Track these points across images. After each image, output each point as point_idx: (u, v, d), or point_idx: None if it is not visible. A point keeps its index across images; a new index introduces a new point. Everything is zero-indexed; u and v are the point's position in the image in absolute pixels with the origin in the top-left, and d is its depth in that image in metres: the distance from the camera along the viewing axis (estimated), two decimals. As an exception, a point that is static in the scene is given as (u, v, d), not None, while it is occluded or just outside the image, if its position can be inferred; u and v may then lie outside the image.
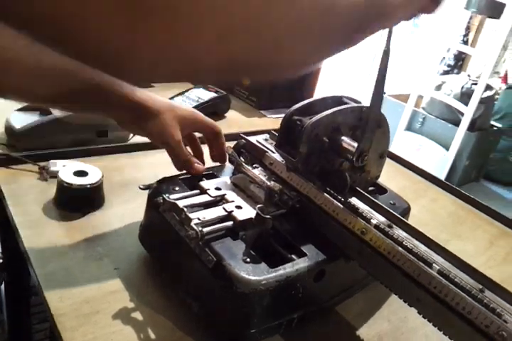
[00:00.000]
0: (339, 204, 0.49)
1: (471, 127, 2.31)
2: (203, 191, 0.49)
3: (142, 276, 0.54)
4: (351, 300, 0.57)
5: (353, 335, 0.53)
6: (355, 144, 0.48)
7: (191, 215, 0.44)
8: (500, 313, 0.37)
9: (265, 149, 0.53)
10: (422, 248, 0.45)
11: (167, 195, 0.47)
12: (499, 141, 2.63)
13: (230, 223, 0.45)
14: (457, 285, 0.40)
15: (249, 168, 0.51)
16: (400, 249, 0.44)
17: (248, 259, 0.44)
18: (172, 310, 0.50)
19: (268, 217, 0.44)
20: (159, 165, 0.79)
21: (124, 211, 0.64)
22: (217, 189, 0.49)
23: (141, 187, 0.53)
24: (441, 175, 2.33)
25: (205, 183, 0.50)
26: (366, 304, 0.57)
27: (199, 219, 0.44)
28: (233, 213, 0.46)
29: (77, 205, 0.59)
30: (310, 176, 0.50)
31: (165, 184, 0.52)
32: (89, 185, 0.58)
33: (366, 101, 0.55)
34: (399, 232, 0.47)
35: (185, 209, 0.44)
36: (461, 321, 0.39)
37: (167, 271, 0.52)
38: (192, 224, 0.43)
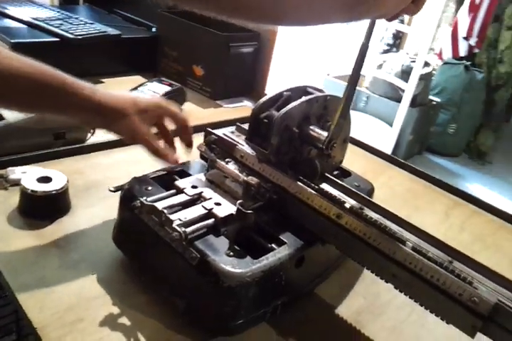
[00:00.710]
0: (312, 191, 0.50)
1: (413, 103, 2.41)
2: (180, 191, 0.49)
3: (122, 279, 0.53)
4: (326, 281, 0.59)
5: (333, 315, 0.55)
6: (324, 133, 0.50)
7: (172, 216, 0.44)
8: (471, 281, 0.40)
9: (235, 143, 0.53)
10: (394, 227, 0.48)
11: (144, 197, 0.47)
12: (438, 115, 2.76)
13: (211, 221, 0.46)
14: (430, 259, 0.43)
15: (223, 163, 0.51)
16: (375, 229, 0.46)
17: (232, 253, 0.45)
18: (157, 310, 0.50)
19: (250, 212, 0.44)
20: (120, 164, 0.78)
21: (93, 214, 0.62)
22: (194, 187, 0.49)
23: (112, 189, 0.52)
24: (387, 151, 2.43)
25: (180, 182, 0.50)
26: (340, 284, 0.60)
27: (180, 219, 0.44)
28: (213, 210, 0.46)
29: (44, 213, 0.57)
30: (282, 166, 0.51)
31: (137, 184, 0.51)
32: (55, 191, 0.56)
33: (328, 90, 0.56)
34: (371, 214, 0.49)
35: (165, 211, 0.44)
36: (437, 292, 0.42)
37: (147, 271, 0.52)
38: (174, 225, 0.43)
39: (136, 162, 0.79)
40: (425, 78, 2.42)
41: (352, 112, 0.53)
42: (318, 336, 0.52)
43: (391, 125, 2.40)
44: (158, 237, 0.46)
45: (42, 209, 0.57)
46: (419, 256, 0.43)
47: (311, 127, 0.49)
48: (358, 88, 2.60)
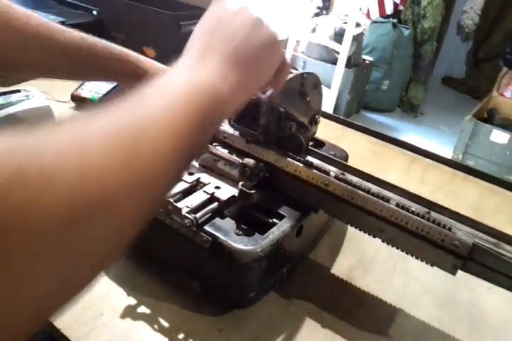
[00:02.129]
0: (300, 164, 0.53)
1: (347, 64, 2.48)
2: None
3: (129, 270, 0.54)
4: (317, 246, 0.64)
5: (330, 274, 0.60)
6: (306, 109, 0.52)
7: (179, 205, 0.45)
8: (450, 227, 0.46)
9: (221, 127, 0.54)
10: (374, 187, 0.52)
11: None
12: (371, 73, 2.87)
13: (215, 204, 0.48)
14: (413, 212, 0.48)
15: (213, 147, 0.53)
16: (361, 192, 0.50)
17: (240, 232, 0.47)
18: (171, 294, 0.51)
19: (253, 191, 0.47)
20: None
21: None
22: (190, 174, 0.50)
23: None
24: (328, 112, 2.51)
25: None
26: (330, 247, 0.65)
27: (188, 207, 0.45)
28: (215, 194, 0.48)
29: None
30: (269, 145, 0.54)
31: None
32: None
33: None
34: (352, 178, 0.53)
35: (171, 200, 0.45)
36: (422, 240, 0.47)
37: (155, 259, 0.53)
38: (184, 213, 0.44)
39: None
40: (357, 39, 2.49)
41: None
42: (318, 295, 0.56)
43: (329, 87, 2.47)
44: (165, 226, 0.48)
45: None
46: (403, 211, 0.48)
47: (295, 105, 0.52)
48: (294, 53, 2.63)
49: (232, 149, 0.54)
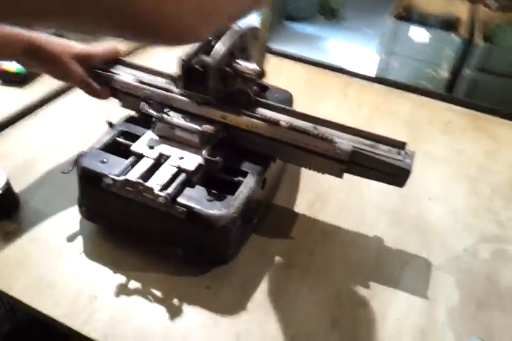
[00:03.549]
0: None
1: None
2: (139, 156, 0.49)
3: (109, 249, 0.55)
4: (279, 189, 0.68)
5: (293, 212, 0.65)
6: (250, 64, 0.52)
7: (149, 184, 0.46)
8: (332, 139, 0.51)
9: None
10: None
11: (107, 171, 0.47)
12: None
13: (183, 176, 0.49)
14: (302, 131, 0.52)
15: (168, 117, 0.52)
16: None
17: (212, 198, 0.49)
18: (154, 265, 0.54)
19: (218, 158, 0.48)
20: (40, 135, 0.72)
21: (44, 197, 0.61)
22: (151, 148, 0.50)
23: (65, 171, 0.50)
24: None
25: (136, 147, 0.50)
26: (287, 188, 0.69)
27: (158, 184, 0.46)
28: (182, 166, 0.49)
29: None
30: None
31: (89, 159, 0.51)
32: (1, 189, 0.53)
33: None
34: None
35: (141, 182, 0.45)
36: (311, 154, 0.53)
37: (133, 235, 0.54)
38: (156, 192, 0.45)
39: (52, 128, 0.75)
40: None
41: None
42: (287, 234, 0.62)
43: None
44: (139, 204, 0.48)
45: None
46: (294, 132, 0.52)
47: (240, 62, 0.51)
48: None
49: (186, 114, 0.54)
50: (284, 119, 0.54)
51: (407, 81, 2.01)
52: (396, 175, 0.52)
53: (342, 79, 0.96)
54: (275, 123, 0.53)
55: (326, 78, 0.96)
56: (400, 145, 0.54)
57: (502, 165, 0.79)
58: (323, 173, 0.55)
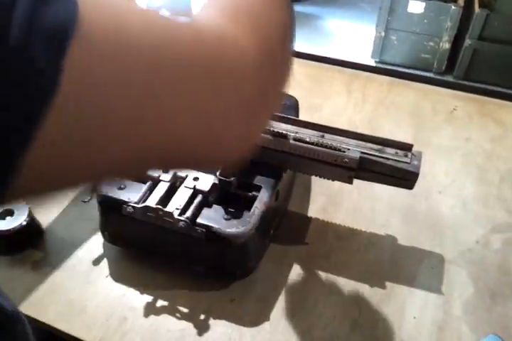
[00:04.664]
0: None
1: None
2: (156, 180, 0.51)
3: (133, 270, 0.58)
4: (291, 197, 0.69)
5: (307, 217, 0.67)
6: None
7: (168, 209, 0.47)
8: (339, 148, 0.53)
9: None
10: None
11: (127, 198, 0.49)
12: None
13: (199, 197, 0.50)
14: (308, 142, 0.53)
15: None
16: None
17: (229, 217, 0.51)
18: (179, 283, 0.56)
19: (232, 179, 0.49)
20: None
21: (66, 224, 0.63)
22: (165, 172, 0.52)
23: (85, 200, 0.52)
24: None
25: (152, 171, 0.52)
26: (299, 192, 0.70)
27: (177, 208, 0.48)
28: (197, 187, 0.50)
29: (20, 247, 0.57)
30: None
31: (106, 186, 0.52)
32: (24, 220, 0.55)
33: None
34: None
35: (160, 207, 0.47)
36: (321, 163, 0.54)
37: (156, 255, 0.56)
38: (176, 216, 0.47)
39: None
40: None
41: None
42: (303, 240, 0.63)
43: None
44: (160, 228, 0.50)
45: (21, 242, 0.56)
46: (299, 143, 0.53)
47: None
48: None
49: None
50: (291, 130, 0.55)
51: (407, 56, 1.97)
52: (405, 179, 0.53)
53: (345, 75, 0.95)
54: (283, 136, 0.54)
55: (327, 73, 0.96)
56: (407, 147, 0.55)
57: (510, 150, 0.79)
58: (333, 180, 0.57)
